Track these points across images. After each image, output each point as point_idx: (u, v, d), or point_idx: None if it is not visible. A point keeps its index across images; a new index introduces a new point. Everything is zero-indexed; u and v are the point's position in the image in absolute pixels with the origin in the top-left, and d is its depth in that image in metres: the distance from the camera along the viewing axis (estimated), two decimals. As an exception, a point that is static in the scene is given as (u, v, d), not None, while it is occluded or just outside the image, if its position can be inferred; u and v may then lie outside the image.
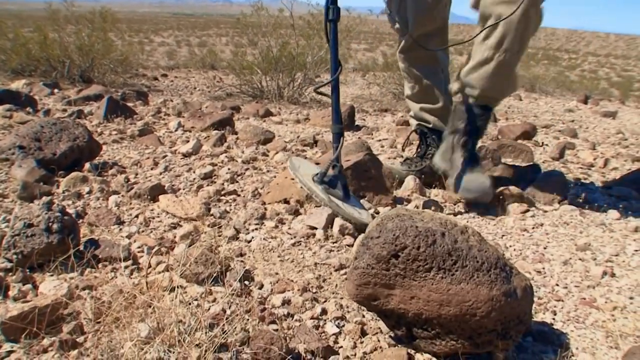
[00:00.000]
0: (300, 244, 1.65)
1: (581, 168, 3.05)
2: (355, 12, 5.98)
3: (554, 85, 9.21)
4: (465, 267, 1.11)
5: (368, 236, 1.15)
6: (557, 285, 1.58)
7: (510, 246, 1.83)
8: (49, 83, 4.59)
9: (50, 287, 1.32)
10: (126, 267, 1.45)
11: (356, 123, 3.87)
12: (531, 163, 2.88)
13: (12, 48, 5.32)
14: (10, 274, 1.39)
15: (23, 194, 1.91)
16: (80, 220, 1.74)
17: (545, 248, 1.84)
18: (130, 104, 3.76)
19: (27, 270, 1.41)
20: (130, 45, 6.47)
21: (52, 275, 1.40)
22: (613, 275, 1.65)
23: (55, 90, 4.40)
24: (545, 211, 2.18)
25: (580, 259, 1.76)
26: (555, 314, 1.42)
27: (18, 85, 4.53)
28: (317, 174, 1.85)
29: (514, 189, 2.21)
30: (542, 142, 3.72)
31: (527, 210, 2.14)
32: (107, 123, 3.18)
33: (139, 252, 1.54)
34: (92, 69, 5.29)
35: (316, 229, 1.72)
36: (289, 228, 1.76)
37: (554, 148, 3.33)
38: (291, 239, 1.68)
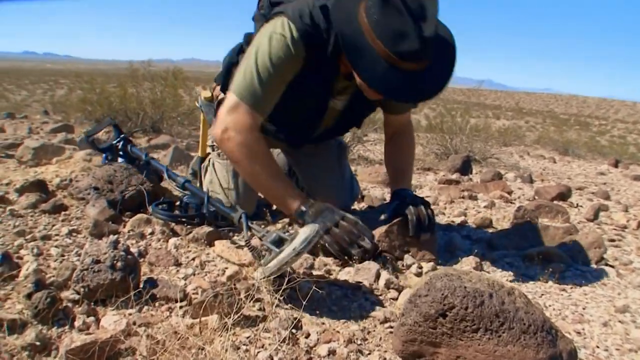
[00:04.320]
0: (346, 295, 1.58)
1: (615, 229, 2.89)
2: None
3: (586, 149, 9.00)
4: (512, 329, 1.02)
5: (416, 294, 1.08)
6: (598, 347, 1.45)
7: (550, 305, 1.71)
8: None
9: (111, 321, 1.29)
10: (181, 307, 1.41)
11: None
12: (568, 224, 2.74)
13: (97, 101, 5.56)
14: (77, 305, 1.38)
15: (94, 231, 1.92)
16: (142, 259, 1.73)
17: (584, 309, 1.71)
18: (193, 154, 3.81)
19: (92, 303, 1.39)
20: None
21: (113, 310, 1.38)
22: (655, 340, 1.51)
23: (130, 139, 4.53)
24: (583, 271, 2.04)
25: (619, 321, 1.62)
26: (599, 379, 1.30)
27: (99, 133, 4.69)
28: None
29: (552, 249, 2.10)
30: (577, 204, 3.56)
31: (565, 270, 2.02)
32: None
33: (193, 293, 1.50)
34: (162, 121, 5.46)
35: (363, 282, 1.64)
36: (336, 279, 1.69)
37: (588, 209, 3.17)
38: (338, 289, 1.60)
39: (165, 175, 2.07)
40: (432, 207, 3.00)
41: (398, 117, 2.23)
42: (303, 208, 1.74)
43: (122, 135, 2.44)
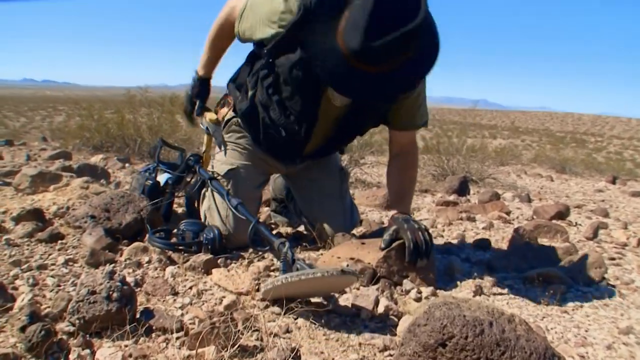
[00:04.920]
0: (345, 323, 1.55)
1: (615, 247, 2.87)
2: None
3: (583, 167, 9.02)
4: (514, 358, 1.00)
5: (415, 323, 1.06)
6: (603, 371, 1.43)
7: (552, 329, 1.68)
8: (121, 158, 4.74)
9: (107, 354, 1.27)
10: (177, 338, 1.38)
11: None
12: (568, 244, 2.72)
13: (95, 127, 5.58)
14: (72, 338, 1.35)
15: (90, 260, 1.91)
16: (139, 289, 1.70)
17: (586, 331, 1.68)
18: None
19: (87, 335, 1.36)
20: (195, 127, 6.68)
21: (109, 342, 1.35)
22: (661, 363, 1.48)
23: (126, 165, 4.52)
24: (584, 292, 2.02)
25: (624, 343, 1.59)
26: (604, 405, 1.27)
27: (96, 159, 4.69)
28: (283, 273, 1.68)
29: (552, 270, 2.08)
30: (576, 222, 3.55)
31: (567, 292, 1.99)
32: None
33: (190, 324, 1.47)
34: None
35: (362, 309, 1.62)
36: (335, 306, 1.65)
37: (587, 228, 3.16)
38: (336, 317, 1.58)
39: (225, 198, 2.13)
40: (431, 229, 3.00)
41: (402, 134, 2.20)
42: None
43: (198, 154, 2.55)
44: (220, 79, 2.57)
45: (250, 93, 2.16)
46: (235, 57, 2.43)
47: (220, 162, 2.34)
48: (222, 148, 2.39)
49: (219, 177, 2.29)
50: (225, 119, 2.41)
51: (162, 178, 2.57)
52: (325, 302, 1.64)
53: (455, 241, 2.74)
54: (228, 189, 2.24)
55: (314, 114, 2.06)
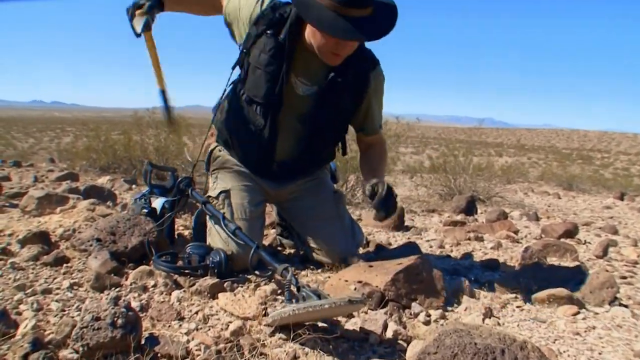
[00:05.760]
0: (353, 348, 1.52)
1: (626, 265, 2.82)
2: (403, 120, 6.09)
3: (590, 183, 8.96)
4: (527, 386, 0.97)
5: (425, 351, 1.03)
6: (618, 397, 1.38)
7: (564, 351, 1.64)
8: (128, 179, 4.74)
9: (111, 382, 1.25)
10: (183, 365, 1.36)
11: (405, 224, 3.73)
12: (577, 263, 2.68)
13: (102, 149, 5.61)
14: (75, 365, 1.32)
15: (95, 284, 1.88)
16: (144, 314, 1.68)
17: (600, 354, 1.64)
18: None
19: (91, 363, 1.34)
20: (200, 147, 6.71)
21: (113, 370, 1.32)
22: (679, 388, 1.44)
23: (133, 186, 4.52)
24: (597, 313, 1.98)
25: (640, 367, 1.55)
26: None
27: (103, 180, 4.70)
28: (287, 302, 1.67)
29: (562, 290, 2.04)
30: (585, 240, 3.51)
31: (578, 313, 1.95)
32: (175, 218, 3.19)
33: (196, 350, 1.44)
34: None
35: (370, 333, 1.59)
36: (344, 331, 1.63)
37: (597, 246, 3.12)
38: (344, 342, 1.54)
39: (222, 223, 2.16)
40: (439, 250, 2.98)
41: (370, 137, 2.42)
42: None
43: (188, 177, 2.57)
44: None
45: (227, 107, 2.35)
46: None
47: (214, 187, 2.41)
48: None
49: (214, 201, 2.33)
50: (209, 149, 2.54)
51: (157, 203, 2.55)
52: (332, 328, 1.62)
53: (463, 262, 2.71)
54: (224, 211, 2.27)
55: (278, 99, 2.15)
